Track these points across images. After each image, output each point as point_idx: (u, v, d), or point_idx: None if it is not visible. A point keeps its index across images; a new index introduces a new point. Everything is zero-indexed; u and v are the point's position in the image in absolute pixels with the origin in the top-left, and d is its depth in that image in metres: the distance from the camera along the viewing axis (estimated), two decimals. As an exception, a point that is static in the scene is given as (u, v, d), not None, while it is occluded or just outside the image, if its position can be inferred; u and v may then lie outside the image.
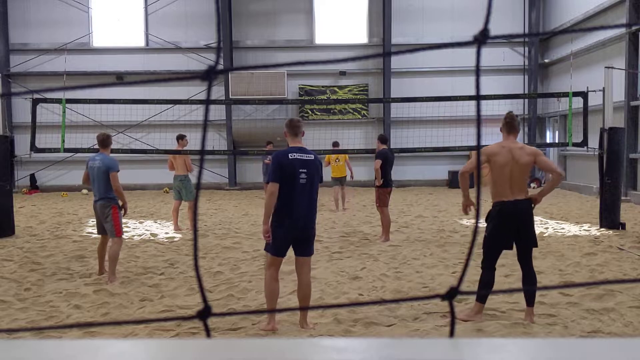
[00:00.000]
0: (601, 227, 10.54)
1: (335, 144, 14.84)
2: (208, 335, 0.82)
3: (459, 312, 5.41)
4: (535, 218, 12.19)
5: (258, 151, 16.70)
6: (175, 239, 10.10)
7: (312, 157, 5.11)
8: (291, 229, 5.01)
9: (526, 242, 5.27)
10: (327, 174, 15.90)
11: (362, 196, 16.86)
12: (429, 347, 0.70)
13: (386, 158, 9.59)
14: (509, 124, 5.36)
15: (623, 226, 10.43)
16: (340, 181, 14.55)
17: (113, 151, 15.02)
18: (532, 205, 5.27)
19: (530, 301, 5.26)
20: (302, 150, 5.16)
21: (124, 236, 7.71)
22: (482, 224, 5.42)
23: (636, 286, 6.15)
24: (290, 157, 5.04)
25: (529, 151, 5.31)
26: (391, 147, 19.70)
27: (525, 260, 5.31)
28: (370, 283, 6.83)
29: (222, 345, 0.74)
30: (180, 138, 11.42)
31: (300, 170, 5.01)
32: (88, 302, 6.15)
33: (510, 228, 5.22)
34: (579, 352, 0.69)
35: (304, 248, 5.14)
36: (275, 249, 5.06)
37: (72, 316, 5.68)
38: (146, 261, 8.23)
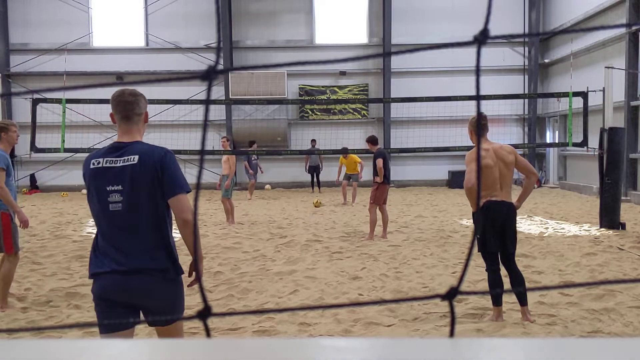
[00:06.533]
0: (601, 227, 10.54)
1: (344, 150, 16.14)
2: (208, 335, 0.82)
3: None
4: (535, 218, 12.22)
5: (258, 151, 16.73)
6: (175, 239, 10.10)
7: (134, 159, 2.95)
8: (103, 288, 2.99)
9: (511, 244, 5.35)
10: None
11: (361, 196, 16.86)
12: (429, 347, 0.70)
13: (385, 156, 10.07)
14: (485, 126, 5.36)
15: (623, 226, 10.42)
16: (351, 177, 15.97)
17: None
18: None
19: (522, 300, 5.30)
20: (122, 149, 3.01)
21: (20, 253, 6.22)
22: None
23: (636, 286, 6.15)
24: (92, 165, 3.01)
25: (509, 150, 5.42)
26: (391, 147, 19.78)
27: (509, 263, 5.37)
28: (370, 283, 6.83)
29: (222, 345, 0.74)
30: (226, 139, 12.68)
31: (110, 187, 2.95)
32: (88, 302, 6.14)
33: (498, 228, 5.26)
34: (579, 352, 0.69)
35: (150, 316, 3.04)
36: (98, 321, 3.14)
37: (72, 316, 5.68)
38: (146, 261, 8.22)
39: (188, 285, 3.23)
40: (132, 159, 2.94)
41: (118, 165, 2.94)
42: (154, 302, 3.02)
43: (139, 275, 2.95)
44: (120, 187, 2.93)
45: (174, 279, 3.06)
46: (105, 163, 2.96)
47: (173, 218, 3.11)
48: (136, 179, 2.92)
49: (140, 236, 2.97)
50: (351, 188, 16.09)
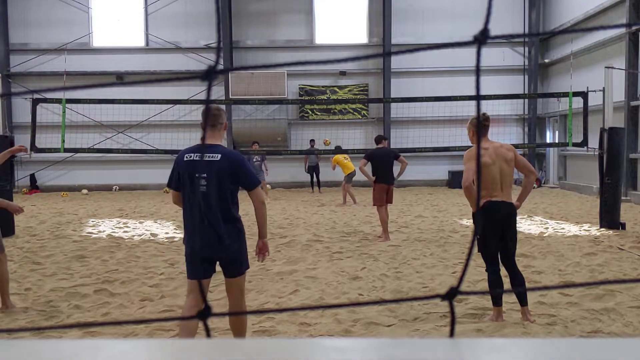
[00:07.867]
0: (601, 227, 10.54)
1: (338, 147, 16.49)
2: (208, 335, 0.82)
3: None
4: (535, 218, 12.22)
5: (258, 151, 16.71)
6: (175, 239, 10.10)
7: (218, 157, 4.17)
8: (192, 247, 4.29)
9: (511, 244, 5.34)
10: (339, 172, 16.50)
11: (362, 196, 16.87)
12: (429, 347, 0.70)
13: (371, 157, 10.02)
14: (486, 127, 5.34)
15: (623, 226, 10.42)
16: (350, 177, 15.80)
17: (112, 151, 15.14)
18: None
19: (523, 301, 5.29)
20: (208, 148, 4.24)
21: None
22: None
23: (636, 286, 6.15)
24: (185, 158, 4.25)
25: (508, 147, 5.41)
26: (391, 147, 19.75)
27: (509, 263, 5.36)
28: (370, 283, 6.83)
29: (222, 345, 0.74)
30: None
31: (198, 175, 4.19)
32: (88, 302, 6.15)
33: (498, 228, 5.25)
34: (579, 352, 0.69)
35: (224, 268, 4.34)
36: (187, 270, 4.45)
37: (72, 316, 5.68)
38: (146, 261, 8.23)
39: (258, 260, 4.54)
40: (215, 156, 4.13)
41: (205, 159, 4.18)
42: (226, 257, 4.24)
43: (215, 239, 4.15)
44: (205, 175, 4.14)
45: (238, 239, 4.27)
46: (196, 157, 4.18)
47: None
48: (218, 171, 4.12)
49: (218, 209, 4.16)
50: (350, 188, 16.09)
